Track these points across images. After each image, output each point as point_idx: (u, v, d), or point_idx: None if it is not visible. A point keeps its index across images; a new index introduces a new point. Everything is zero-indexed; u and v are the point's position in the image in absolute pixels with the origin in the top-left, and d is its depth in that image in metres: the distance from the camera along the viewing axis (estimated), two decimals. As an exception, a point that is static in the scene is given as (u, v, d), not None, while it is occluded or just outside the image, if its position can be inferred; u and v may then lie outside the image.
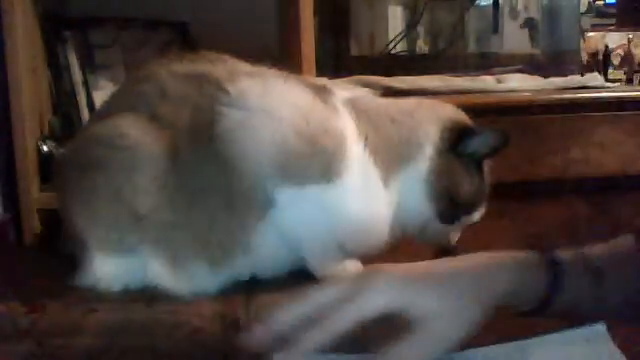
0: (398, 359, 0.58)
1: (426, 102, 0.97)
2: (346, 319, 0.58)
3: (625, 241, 0.71)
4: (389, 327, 0.60)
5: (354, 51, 1.87)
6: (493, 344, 0.64)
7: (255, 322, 0.66)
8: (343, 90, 0.93)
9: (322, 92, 0.88)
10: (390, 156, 0.88)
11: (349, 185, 0.84)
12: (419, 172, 0.89)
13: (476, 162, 0.92)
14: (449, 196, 0.89)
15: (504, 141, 0.89)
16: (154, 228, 0.83)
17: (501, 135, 0.90)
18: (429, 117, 0.92)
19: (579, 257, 0.69)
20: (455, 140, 0.90)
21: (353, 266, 0.87)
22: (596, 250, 0.70)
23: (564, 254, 0.68)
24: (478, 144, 0.90)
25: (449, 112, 0.94)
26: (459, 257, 0.66)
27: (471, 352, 0.62)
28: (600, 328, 0.64)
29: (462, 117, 0.94)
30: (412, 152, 0.89)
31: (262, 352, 0.60)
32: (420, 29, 1.95)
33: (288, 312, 0.61)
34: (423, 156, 0.89)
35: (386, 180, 0.87)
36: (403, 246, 0.93)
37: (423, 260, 0.66)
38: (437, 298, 0.60)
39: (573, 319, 0.67)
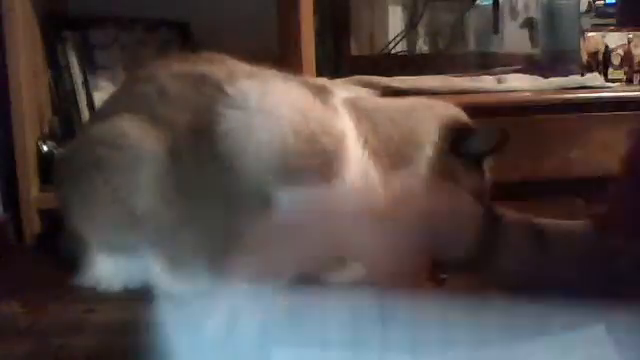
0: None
1: (426, 102, 0.97)
2: None
3: (578, 223, 0.71)
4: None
5: (354, 51, 1.87)
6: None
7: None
8: (343, 90, 0.93)
9: (322, 92, 0.88)
10: (390, 156, 0.88)
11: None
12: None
13: (476, 161, 0.92)
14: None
15: (503, 139, 0.89)
16: (154, 228, 0.83)
17: (500, 133, 0.90)
18: (428, 117, 0.92)
19: (524, 219, 0.69)
20: (455, 139, 0.90)
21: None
22: (544, 220, 0.70)
23: (509, 212, 0.68)
24: (477, 143, 0.90)
25: (448, 111, 0.94)
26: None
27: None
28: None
29: (461, 116, 0.94)
30: (412, 152, 0.89)
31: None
32: (420, 29, 1.95)
33: None
34: (423, 156, 0.89)
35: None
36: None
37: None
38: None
39: (517, 287, 0.66)
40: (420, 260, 0.63)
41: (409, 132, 0.90)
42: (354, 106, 0.89)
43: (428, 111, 0.93)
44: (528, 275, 0.67)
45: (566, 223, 0.71)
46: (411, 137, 0.90)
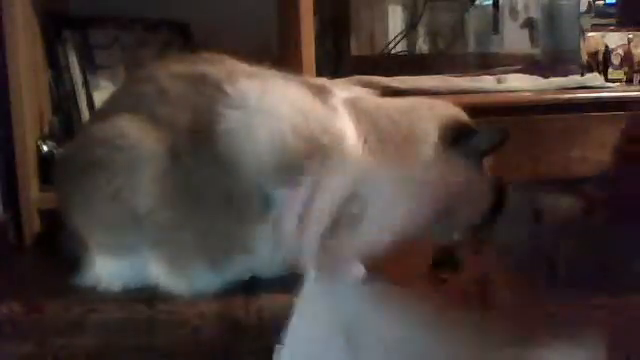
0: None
1: (425, 102, 0.97)
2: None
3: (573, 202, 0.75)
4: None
5: (354, 51, 1.87)
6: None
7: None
8: (342, 90, 0.93)
9: (321, 92, 0.88)
10: (390, 155, 0.88)
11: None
12: (419, 170, 0.89)
13: (475, 160, 0.92)
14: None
15: (503, 138, 0.90)
16: (154, 228, 0.83)
17: (499, 132, 0.90)
18: (429, 116, 0.92)
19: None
20: (454, 139, 0.90)
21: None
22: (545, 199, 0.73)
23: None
24: (477, 142, 0.90)
25: (448, 111, 0.94)
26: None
27: None
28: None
29: (461, 116, 0.94)
30: (411, 151, 0.89)
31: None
32: (420, 29, 1.95)
33: None
34: (422, 154, 0.89)
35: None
36: (403, 245, 0.93)
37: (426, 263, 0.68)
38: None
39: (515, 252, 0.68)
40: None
41: (409, 132, 0.90)
42: (354, 106, 0.89)
43: (428, 111, 0.93)
44: (525, 242, 0.69)
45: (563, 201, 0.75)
46: (411, 136, 0.90)
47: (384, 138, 0.88)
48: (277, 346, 0.60)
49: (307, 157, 0.82)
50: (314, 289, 0.65)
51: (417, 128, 0.90)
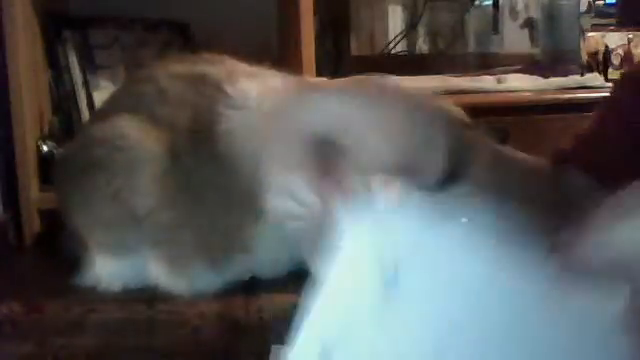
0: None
1: (431, 100, 0.97)
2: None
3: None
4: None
5: (354, 51, 1.87)
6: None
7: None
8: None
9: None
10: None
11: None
12: None
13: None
14: None
15: (503, 138, 0.90)
16: (154, 228, 0.83)
17: (500, 132, 0.90)
18: (436, 117, 0.92)
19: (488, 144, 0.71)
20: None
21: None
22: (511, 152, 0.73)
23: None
24: None
25: (454, 111, 0.94)
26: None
27: None
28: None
29: (462, 116, 0.94)
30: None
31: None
32: (420, 29, 1.95)
33: None
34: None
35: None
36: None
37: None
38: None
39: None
40: None
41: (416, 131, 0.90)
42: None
43: (435, 110, 0.93)
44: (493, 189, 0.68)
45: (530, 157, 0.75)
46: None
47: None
48: (273, 347, 0.60)
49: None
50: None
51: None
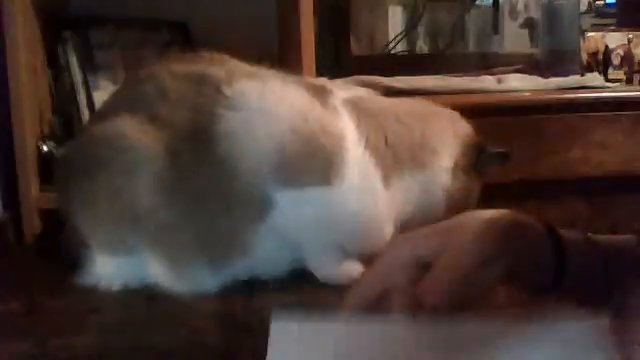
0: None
1: (441, 111, 0.97)
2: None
3: (625, 237, 0.71)
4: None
5: (354, 51, 1.87)
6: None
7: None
8: (343, 90, 0.93)
9: (321, 93, 0.88)
10: (394, 156, 0.88)
11: (348, 186, 0.84)
12: (436, 181, 0.89)
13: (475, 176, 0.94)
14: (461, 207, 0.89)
15: (504, 161, 0.93)
16: (154, 228, 0.83)
17: (502, 156, 0.94)
18: (448, 128, 0.93)
19: (581, 236, 0.68)
20: (472, 156, 0.92)
21: (353, 267, 0.87)
22: (598, 237, 0.70)
23: (564, 231, 0.67)
24: (486, 162, 0.94)
25: (466, 128, 0.95)
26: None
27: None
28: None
29: (471, 130, 0.95)
30: (425, 158, 0.89)
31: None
32: (420, 29, 1.95)
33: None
34: (440, 166, 0.90)
35: (389, 180, 0.87)
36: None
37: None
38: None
39: (586, 302, 0.65)
40: None
41: (420, 136, 0.90)
42: (355, 106, 0.89)
43: (446, 122, 0.94)
44: (598, 290, 0.66)
45: (617, 238, 0.71)
46: (424, 141, 0.90)
47: (392, 139, 0.88)
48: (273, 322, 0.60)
49: (306, 158, 0.82)
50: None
51: (430, 134, 0.90)
